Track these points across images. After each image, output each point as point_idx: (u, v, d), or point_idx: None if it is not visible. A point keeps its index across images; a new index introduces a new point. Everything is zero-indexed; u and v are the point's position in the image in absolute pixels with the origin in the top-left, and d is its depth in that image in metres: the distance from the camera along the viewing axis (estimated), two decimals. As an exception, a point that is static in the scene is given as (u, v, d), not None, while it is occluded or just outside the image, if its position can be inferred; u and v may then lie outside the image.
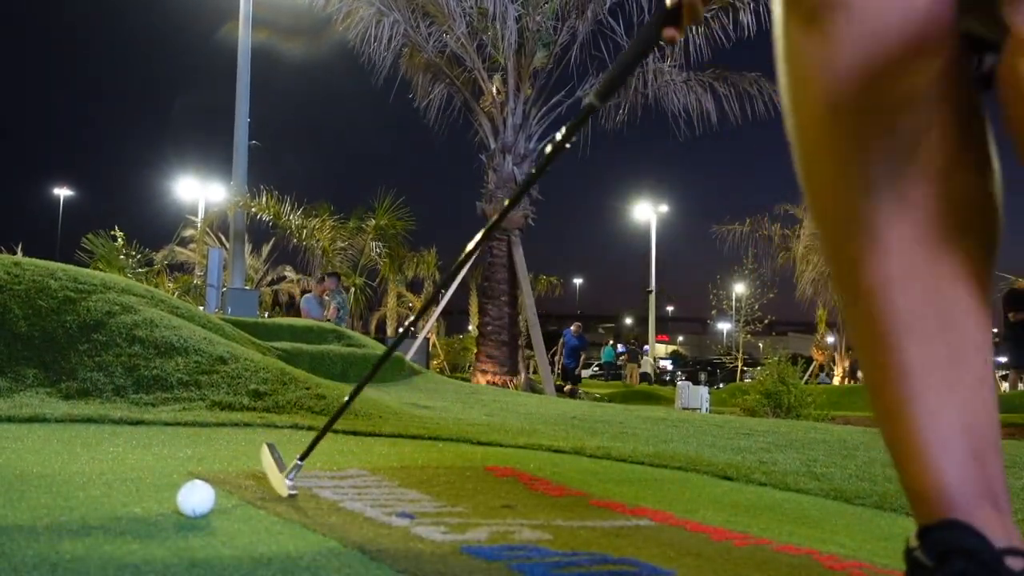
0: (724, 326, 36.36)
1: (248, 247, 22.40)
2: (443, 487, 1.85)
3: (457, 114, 14.10)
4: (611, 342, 34.62)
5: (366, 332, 20.35)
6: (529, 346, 14.58)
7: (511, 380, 12.77)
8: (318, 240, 17.20)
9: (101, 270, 10.52)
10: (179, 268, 23.85)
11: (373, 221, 18.30)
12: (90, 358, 3.45)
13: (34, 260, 4.03)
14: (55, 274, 3.86)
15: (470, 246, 1.42)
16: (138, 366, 3.45)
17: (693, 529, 1.56)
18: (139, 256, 16.39)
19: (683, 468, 2.48)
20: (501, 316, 13.07)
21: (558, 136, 1.21)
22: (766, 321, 23.11)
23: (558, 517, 1.56)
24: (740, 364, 23.97)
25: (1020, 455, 3.26)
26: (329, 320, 11.29)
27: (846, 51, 0.74)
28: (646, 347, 30.00)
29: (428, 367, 12.59)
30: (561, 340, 18.01)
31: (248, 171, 15.70)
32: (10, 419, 2.62)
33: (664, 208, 39.40)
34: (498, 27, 12.60)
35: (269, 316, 17.56)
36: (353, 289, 16.55)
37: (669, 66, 12.91)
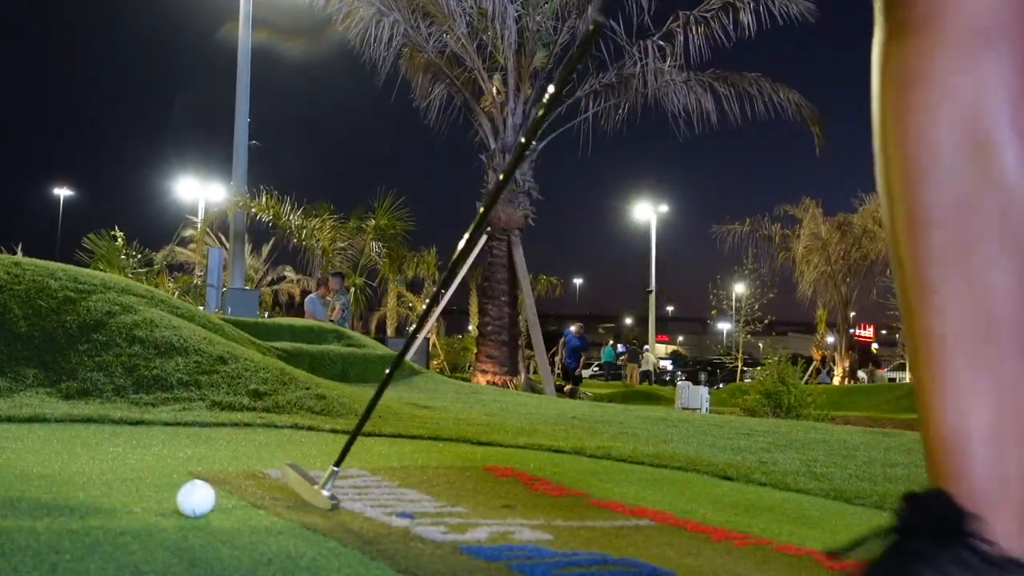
0: (724, 326, 36.38)
1: (248, 247, 22.41)
2: (443, 487, 1.85)
3: (457, 114, 14.11)
4: (611, 342, 34.63)
5: (366, 332, 20.35)
6: (529, 346, 14.59)
7: (511, 380, 12.77)
8: (318, 240, 17.20)
9: (101, 270, 10.52)
10: (179, 268, 23.84)
11: (373, 221, 18.31)
12: (90, 358, 3.45)
13: (34, 260, 4.03)
14: (55, 274, 3.86)
15: (479, 219, 1.42)
16: (138, 366, 3.44)
17: (693, 529, 1.56)
18: (139, 256, 16.39)
19: (683, 468, 2.48)
20: (501, 316, 13.07)
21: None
22: (766, 321, 23.12)
23: (558, 517, 1.55)
24: (740, 364, 23.97)
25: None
26: (333, 321, 11.31)
27: None
28: (646, 347, 29.99)
29: (428, 367, 12.59)
30: (562, 340, 18.01)
31: (248, 171, 15.71)
32: (10, 419, 2.62)
33: (664, 208, 39.41)
34: (498, 27, 12.60)
35: (269, 316, 17.56)
36: (353, 289, 16.54)
37: (669, 66, 12.91)
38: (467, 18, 12.97)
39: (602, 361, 31.23)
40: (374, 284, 20.88)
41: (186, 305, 4.78)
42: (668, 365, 34.06)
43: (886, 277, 27.15)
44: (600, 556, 1.25)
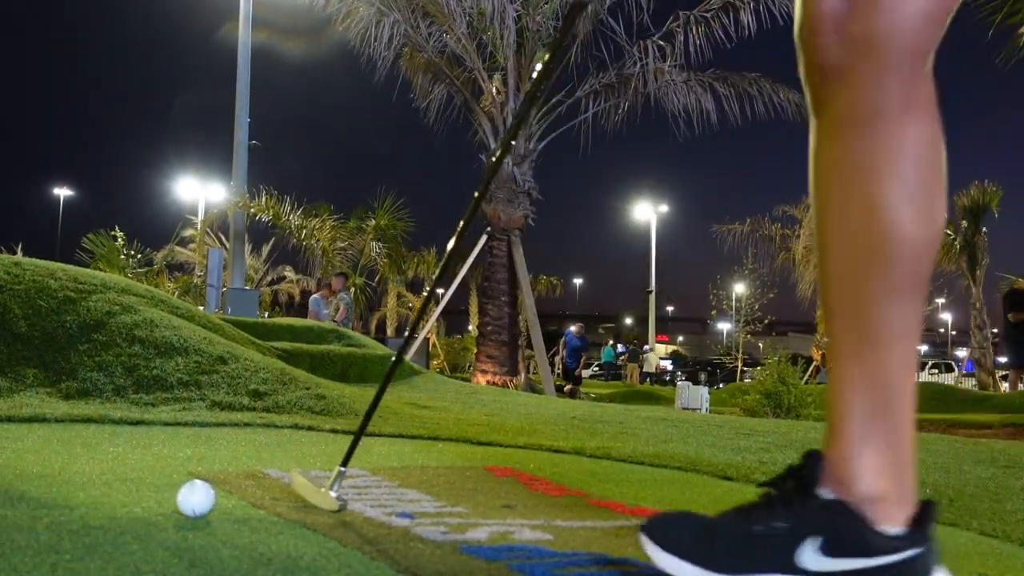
0: (724, 326, 36.36)
1: (248, 247, 22.40)
2: (443, 487, 1.85)
3: (457, 114, 14.11)
4: (611, 342, 34.62)
5: (366, 332, 20.35)
6: (529, 346, 14.58)
7: (511, 380, 12.76)
8: (318, 240, 17.21)
9: (101, 270, 10.52)
10: (179, 268, 23.84)
11: (373, 221, 18.31)
12: (90, 358, 3.45)
13: (34, 260, 4.03)
14: (55, 274, 3.85)
15: (475, 201, 1.42)
16: (138, 366, 3.44)
17: (693, 529, 1.56)
18: (139, 256, 16.39)
19: (683, 468, 2.48)
20: (501, 316, 13.07)
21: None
22: (766, 321, 23.10)
23: (558, 517, 1.55)
24: (740, 364, 23.96)
25: (1020, 455, 3.26)
26: (337, 321, 11.32)
27: None
28: (647, 347, 29.98)
29: (428, 367, 12.59)
30: (562, 340, 18.01)
31: (248, 171, 15.70)
32: (10, 419, 2.62)
33: (664, 208, 39.42)
34: (498, 27, 12.60)
35: (269, 316, 17.56)
36: (353, 289, 16.56)
37: (669, 66, 12.91)
38: (467, 18, 12.97)
39: (602, 361, 31.22)
40: (374, 284, 20.89)
41: (186, 305, 4.78)
42: (668, 365, 34.05)
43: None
44: (600, 556, 1.25)
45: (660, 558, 0.98)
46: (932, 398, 12.13)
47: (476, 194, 1.39)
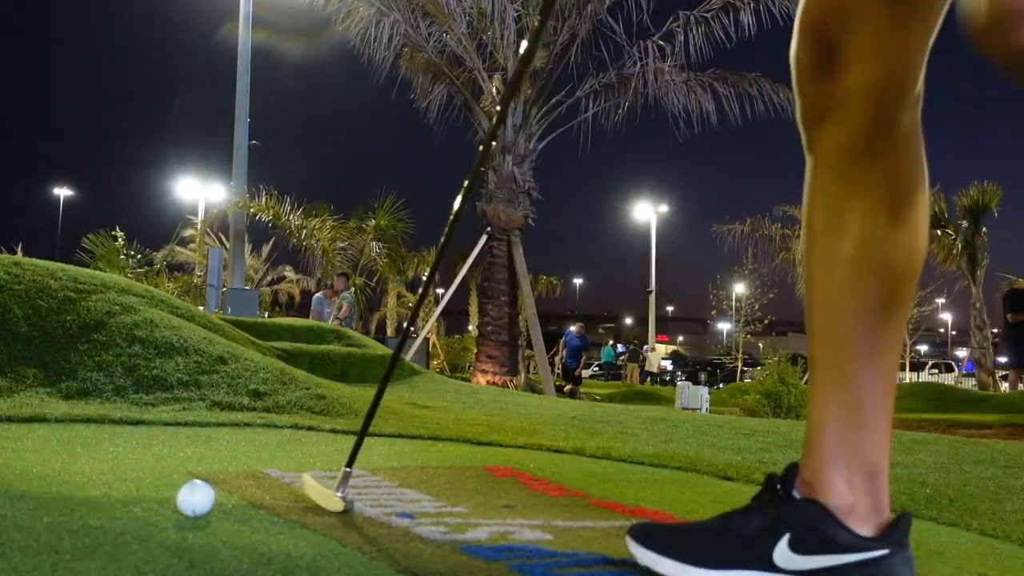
0: (724, 326, 36.37)
1: (248, 247, 22.40)
2: (443, 487, 1.85)
3: (457, 114, 14.11)
4: (611, 342, 34.63)
5: (366, 332, 20.36)
6: (529, 346, 14.58)
7: (511, 380, 12.77)
8: (318, 240, 17.21)
9: (101, 270, 10.52)
10: (179, 268, 23.85)
11: (373, 221, 18.31)
12: (90, 358, 3.45)
13: (34, 260, 4.03)
14: (55, 274, 3.85)
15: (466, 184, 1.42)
16: (138, 366, 3.44)
17: (693, 529, 1.56)
18: (139, 256, 16.39)
19: (683, 468, 2.48)
20: (501, 316, 13.06)
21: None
22: (766, 321, 23.09)
23: (558, 517, 1.55)
24: (740, 364, 23.96)
25: (1020, 455, 3.26)
26: (340, 320, 11.34)
27: None
28: (647, 347, 29.97)
29: (428, 367, 12.59)
30: (562, 340, 18.01)
31: (248, 171, 15.71)
32: (10, 419, 2.62)
33: (664, 208, 39.42)
34: (498, 27, 12.60)
35: (269, 316, 17.56)
36: (354, 289, 16.57)
37: (669, 66, 12.91)
38: (467, 18, 12.97)
39: (602, 361, 31.21)
40: (373, 284, 20.89)
41: (186, 305, 4.78)
42: (668, 365, 34.06)
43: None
44: (600, 556, 1.25)
45: (639, 553, 1.05)
46: (932, 398, 12.13)
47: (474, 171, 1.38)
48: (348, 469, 1.47)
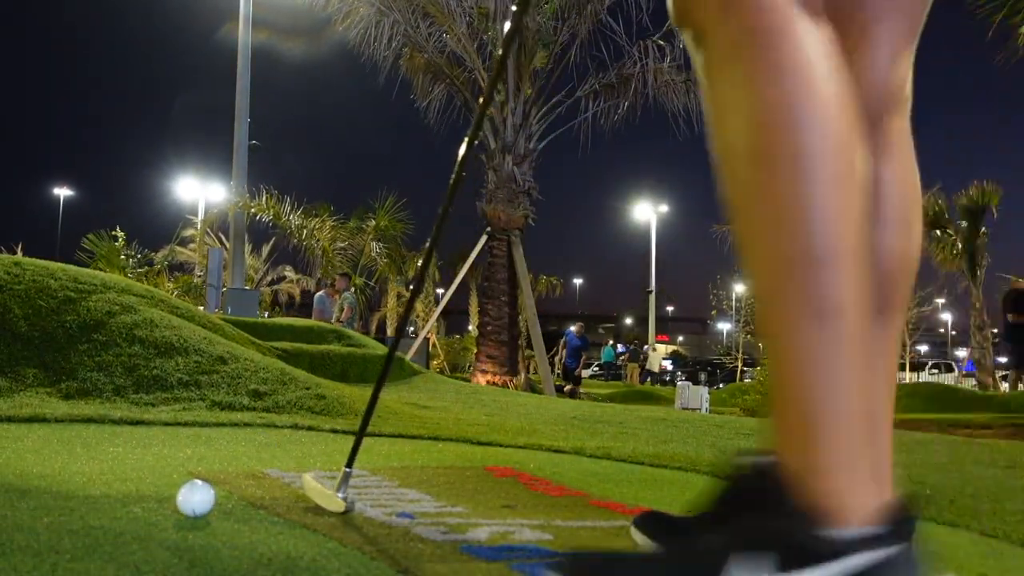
0: (724, 326, 36.37)
1: (248, 247, 22.40)
2: (443, 487, 1.85)
3: (457, 114, 14.12)
4: (611, 342, 34.63)
5: (366, 332, 20.36)
6: (529, 346, 14.58)
7: (511, 380, 12.77)
8: (318, 240, 17.21)
9: (101, 270, 10.52)
10: (179, 268, 23.86)
11: (373, 222, 18.32)
12: (90, 358, 3.45)
13: (34, 260, 4.03)
14: (55, 274, 3.85)
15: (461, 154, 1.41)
16: (138, 366, 3.44)
17: (693, 529, 1.56)
18: (139, 256, 16.39)
19: (683, 468, 2.48)
20: (501, 316, 13.06)
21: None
22: (766, 321, 23.06)
23: (558, 517, 1.55)
24: (740, 364, 23.97)
25: (1020, 455, 3.26)
26: (342, 321, 11.35)
27: None
28: (647, 347, 29.97)
29: (428, 367, 12.59)
30: (562, 340, 18.01)
31: (248, 171, 15.71)
32: (10, 419, 2.62)
33: (664, 208, 39.43)
34: (498, 27, 12.59)
35: (269, 316, 17.56)
36: (354, 289, 16.58)
37: (669, 66, 12.91)
38: (467, 18, 12.97)
39: (602, 361, 31.21)
40: (373, 284, 20.89)
41: (186, 305, 4.78)
42: (668, 365, 34.07)
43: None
44: (600, 556, 1.25)
45: None
46: (932, 398, 12.13)
47: (463, 148, 1.37)
48: (348, 469, 1.47)
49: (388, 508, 1.53)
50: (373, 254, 18.33)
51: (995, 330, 19.80)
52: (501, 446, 2.82)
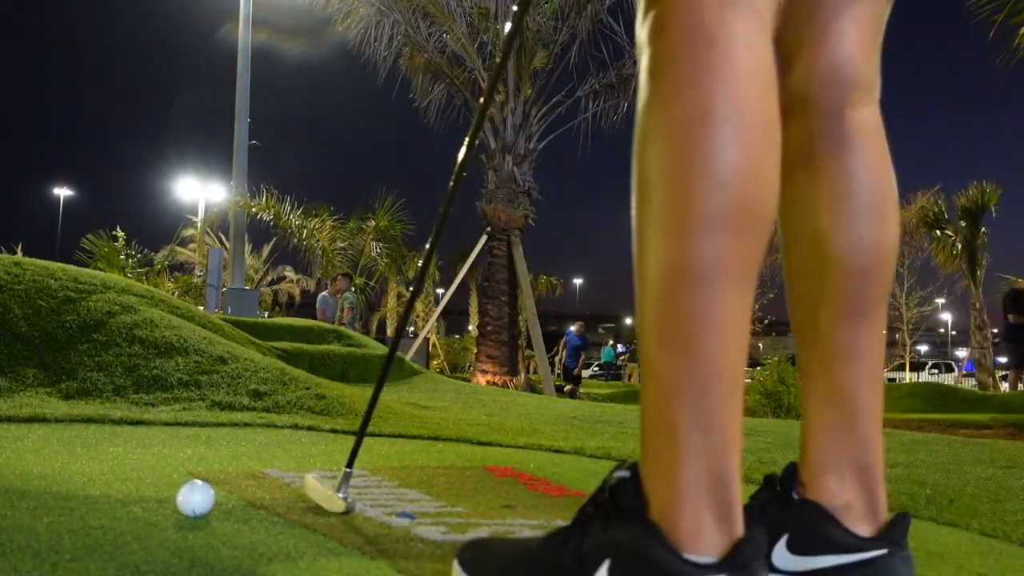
0: (724, 326, 36.23)
1: (248, 247, 22.40)
2: (443, 487, 1.85)
3: (457, 114, 14.13)
4: (611, 342, 34.63)
5: (366, 332, 20.37)
6: (529, 346, 14.58)
7: (511, 380, 12.77)
8: (318, 240, 17.21)
9: (101, 270, 10.52)
10: (179, 268, 23.86)
11: (373, 222, 18.32)
12: (90, 358, 3.45)
13: (34, 260, 4.03)
14: (55, 274, 3.85)
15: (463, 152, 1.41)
16: (138, 366, 3.44)
17: (693, 529, 1.56)
18: (139, 256, 16.39)
19: (683, 468, 2.48)
20: (501, 316, 13.07)
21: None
22: (766, 321, 23.07)
23: (558, 517, 1.55)
24: (740, 364, 23.92)
25: (1020, 455, 3.26)
26: (344, 323, 11.35)
27: None
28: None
29: (428, 367, 12.59)
30: (562, 340, 18.00)
31: (248, 171, 15.71)
32: (10, 419, 2.62)
33: (664, 208, 39.36)
34: (498, 27, 12.59)
35: (269, 316, 17.56)
36: (354, 289, 16.58)
37: (669, 66, 12.90)
38: (467, 18, 12.97)
39: (602, 361, 31.21)
40: (373, 284, 20.90)
41: (186, 305, 4.78)
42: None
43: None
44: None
45: None
46: (932, 398, 12.14)
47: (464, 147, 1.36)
48: (349, 470, 1.47)
49: (388, 508, 1.53)
50: (373, 254, 18.33)
51: (995, 330, 19.82)
52: (501, 446, 2.82)
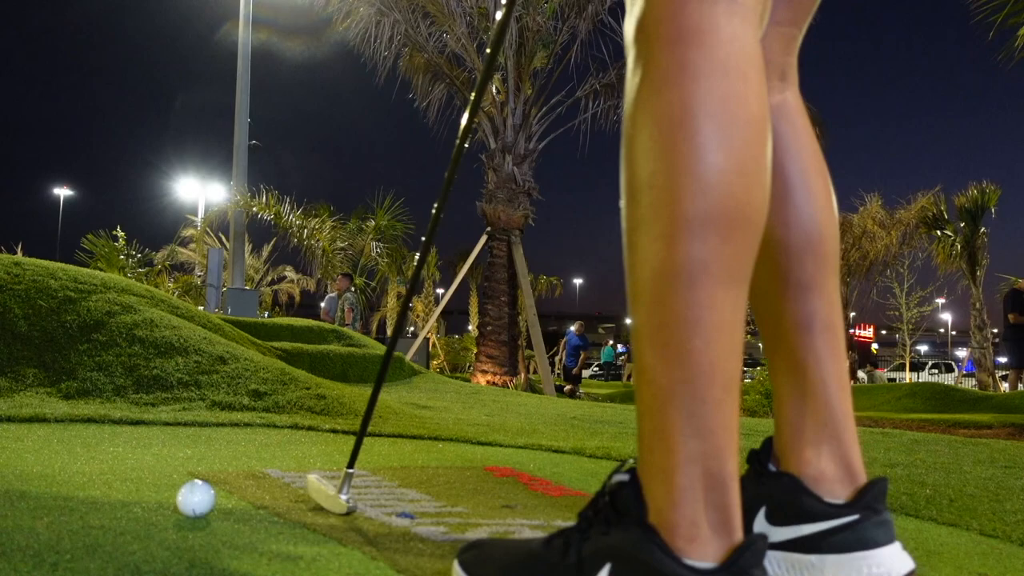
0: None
1: (248, 247, 22.40)
2: (443, 487, 1.85)
3: (457, 114, 14.12)
4: (611, 342, 34.63)
5: (367, 332, 20.37)
6: (529, 346, 14.58)
7: (511, 380, 12.77)
8: (318, 240, 17.21)
9: (101, 270, 10.51)
10: (179, 268, 23.86)
11: (372, 222, 18.32)
12: (90, 358, 3.45)
13: (34, 260, 4.03)
14: (55, 274, 3.86)
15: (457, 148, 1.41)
16: (138, 366, 3.45)
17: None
18: (139, 256, 16.38)
19: (683, 468, 2.48)
20: (501, 316, 13.07)
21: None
22: (766, 321, 23.08)
23: (558, 517, 1.55)
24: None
25: (1020, 455, 3.26)
26: (345, 324, 11.35)
27: None
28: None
29: (428, 367, 12.59)
30: (563, 341, 18.00)
31: (248, 171, 15.72)
32: (10, 419, 2.62)
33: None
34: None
35: (269, 316, 17.56)
36: (354, 289, 16.58)
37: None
38: (467, 18, 12.97)
39: (602, 361, 31.23)
40: (374, 284, 20.90)
41: (186, 305, 4.78)
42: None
43: (885, 278, 27.15)
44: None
45: None
46: (932, 398, 12.13)
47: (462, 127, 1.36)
48: (350, 470, 1.46)
49: (388, 508, 1.53)
50: (373, 254, 18.33)
51: (995, 330, 19.82)
52: (501, 446, 2.82)
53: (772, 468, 1.02)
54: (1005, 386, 17.96)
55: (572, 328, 17.20)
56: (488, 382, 12.30)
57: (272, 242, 29.34)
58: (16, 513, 1.27)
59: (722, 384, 0.80)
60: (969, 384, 23.50)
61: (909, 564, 0.93)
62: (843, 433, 1.00)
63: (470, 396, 5.74)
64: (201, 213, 27.69)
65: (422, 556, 1.20)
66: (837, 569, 0.93)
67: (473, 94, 1.34)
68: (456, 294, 15.97)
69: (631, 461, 0.87)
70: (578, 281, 67.53)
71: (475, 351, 14.17)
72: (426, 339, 15.45)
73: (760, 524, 0.99)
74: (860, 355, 28.24)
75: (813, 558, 0.94)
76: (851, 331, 26.91)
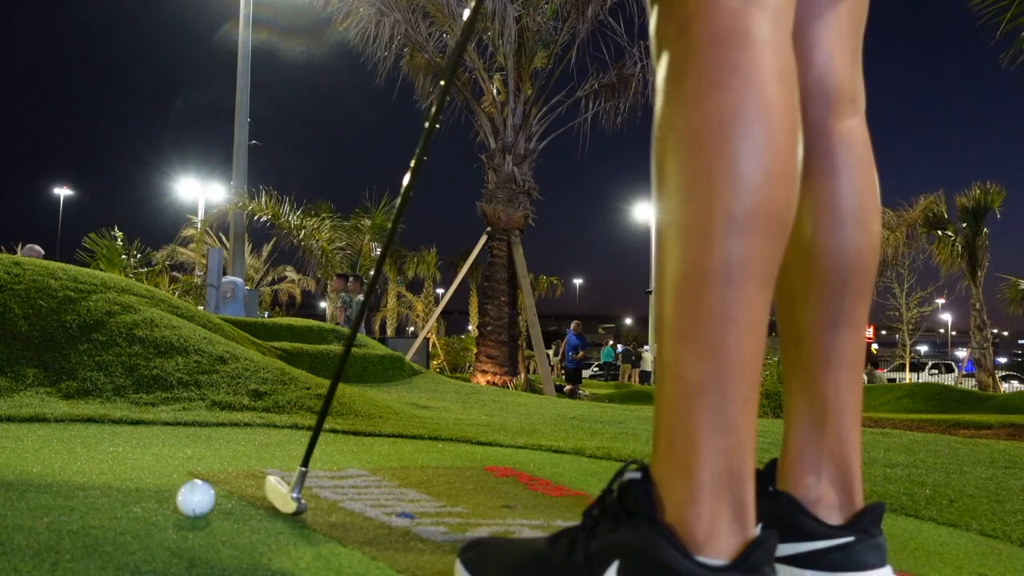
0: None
1: (248, 247, 22.40)
2: (443, 487, 1.85)
3: (457, 114, 14.12)
4: (611, 342, 34.64)
5: (368, 332, 20.35)
6: (529, 346, 14.59)
7: (511, 380, 12.77)
8: (317, 240, 17.21)
9: (101, 270, 10.51)
10: (179, 268, 23.86)
11: (369, 221, 18.31)
12: (90, 358, 3.45)
13: (34, 260, 4.03)
14: (55, 274, 3.86)
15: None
16: (138, 366, 3.45)
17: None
18: (139, 256, 16.37)
19: (683, 468, 2.47)
20: (501, 316, 13.07)
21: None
22: (766, 321, 23.10)
23: (558, 517, 1.55)
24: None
25: (1020, 455, 3.26)
26: (339, 323, 11.37)
27: None
28: (646, 347, 29.96)
29: (428, 367, 12.60)
30: (563, 341, 18.00)
31: (248, 171, 15.72)
32: (10, 419, 2.62)
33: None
34: (498, 27, 12.60)
35: (269, 316, 17.56)
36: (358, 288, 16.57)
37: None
38: (467, 18, 12.94)
39: (602, 361, 31.23)
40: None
41: (186, 305, 4.78)
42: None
43: (885, 278, 27.16)
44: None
45: None
46: (932, 398, 12.14)
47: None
48: (304, 468, 1.42)
49: (388, 508, 1.53)
50: (372, 254, 18.32)
51: (995, 330, 19.83)
52: (501, 446, 2.82)
53: (772, 488, 1.03)
54: (1005, 386, 17.96)
55: (571, 327, 17.21)
56: (488, 382, 12.30)
57: (272, 242, 29.34)
58: (16, 513, 1.27)
59: (749, 382, 0.81)
60: (969, 384, 23.50)
61: None
62: (850, 465, 1.01)
63: (470, 396, 5.74)
64: (201, 213, 27.68)
65: (422, 556, 1.20)
66: None
67: (442, 83, 1.36)
68: (456, 294, 15.97)
69: (639, 461, 0.87)
70: (578, 281, 67.56)
71: (475, 351, 14.17)
72: (426, 339, 15.45)
73: None
74: (860, 355, 28.17)
75: (808, 573, 0.96)
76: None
